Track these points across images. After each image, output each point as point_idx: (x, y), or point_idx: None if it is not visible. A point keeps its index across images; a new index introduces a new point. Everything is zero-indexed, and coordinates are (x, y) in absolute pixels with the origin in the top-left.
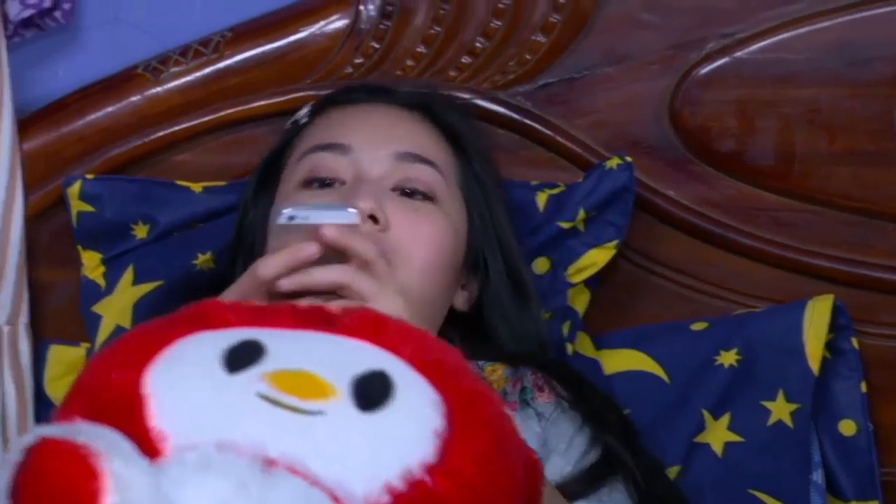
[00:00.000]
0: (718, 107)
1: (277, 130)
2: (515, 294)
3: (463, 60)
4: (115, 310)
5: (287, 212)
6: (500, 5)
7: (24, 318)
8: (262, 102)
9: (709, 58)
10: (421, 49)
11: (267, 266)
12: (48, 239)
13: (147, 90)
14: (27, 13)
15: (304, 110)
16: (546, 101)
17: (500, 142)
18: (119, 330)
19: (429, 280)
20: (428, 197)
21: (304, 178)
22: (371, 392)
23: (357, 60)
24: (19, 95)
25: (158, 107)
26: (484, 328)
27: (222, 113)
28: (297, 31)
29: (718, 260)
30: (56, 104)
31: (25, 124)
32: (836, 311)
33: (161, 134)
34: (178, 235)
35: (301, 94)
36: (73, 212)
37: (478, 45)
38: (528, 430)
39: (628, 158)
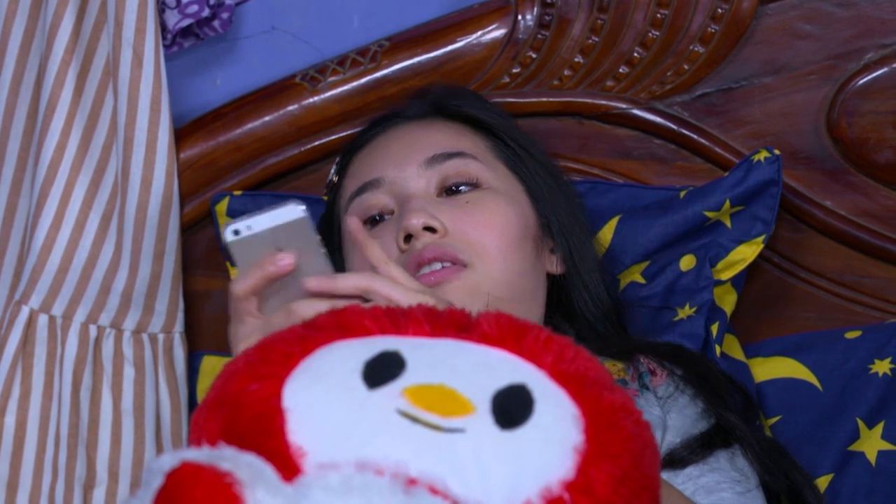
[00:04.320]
0: (876, 117)
1: None
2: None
3: (620, 70)
4: None
5: (231, 227)
6: (658, 15)
7: (178, 327)
8: None
9: (867, 68)
10: (578, 59)
11: (237, 283)
12: (204, 247)
13: (304, 99)
14: (185, 23)
15: (332, 172)
16: (703, 111)
17: (656, 151)
18: None
19: (510, 258)
20: (473, 185)
21: (363, 216)
22: (511, 408)
23: (514, 70)
24: (177, 104)
25: (315, 116)
26: (564, 293)
27: None
28: (454, 41)
29: (875, 270)
30: (213, 113)
31: (182, 133)
32: None
33: (317, 143)
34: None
35: None
36: (221, 229)
37: (635, 54)
38: (649, 414)
39: (776, 151)
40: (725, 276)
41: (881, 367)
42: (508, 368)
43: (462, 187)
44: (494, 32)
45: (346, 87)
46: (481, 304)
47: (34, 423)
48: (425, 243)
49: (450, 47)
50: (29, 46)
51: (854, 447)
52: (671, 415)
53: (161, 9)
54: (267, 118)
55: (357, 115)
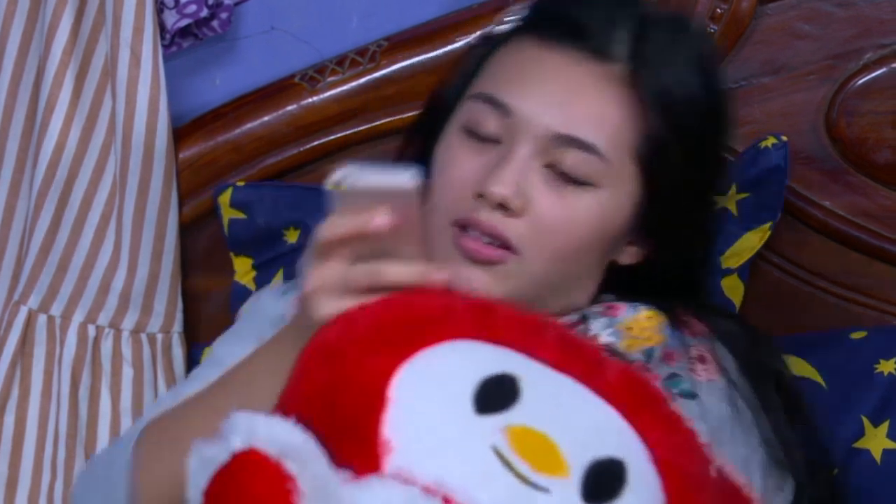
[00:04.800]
0: (875, 117)
1: None
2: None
3: None
4: None
5: (340, 173)
6: None
7: (177, 327)
8: (418, 112)
9: (866, 68)
10: None
11: (325, 227)
12: (204, 247)
13: (303, 99)
14: (184, 23)
15: (501, 27)
16: None
17: None
18: None
19: (565, 261)
20: (583, 183)
21: (464, 125)
22: (602, 483)
23: None
24: (176, 105)
25: (314, 116)
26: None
27: (377, 122)
28: (452, 41)
29: (874, 270)
30: (212, 113)
31: (182, 133)
32: None
33: (317, 143)
34: None
35: None
36: (225, 219)
37: None
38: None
39: (784, 138)
40: (734, 263)
41: (887, 367)
42: (615, 438)
43: (572, 179)
44: None
45: (345, 87)
46: (504, 292)
47: (33, 422)
48: (491, 216)
49: (449, 47)
50: (27, 47)
51: (858, 444)
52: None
53: (159, 9)
54: (266, 118)
55: (355, 114)
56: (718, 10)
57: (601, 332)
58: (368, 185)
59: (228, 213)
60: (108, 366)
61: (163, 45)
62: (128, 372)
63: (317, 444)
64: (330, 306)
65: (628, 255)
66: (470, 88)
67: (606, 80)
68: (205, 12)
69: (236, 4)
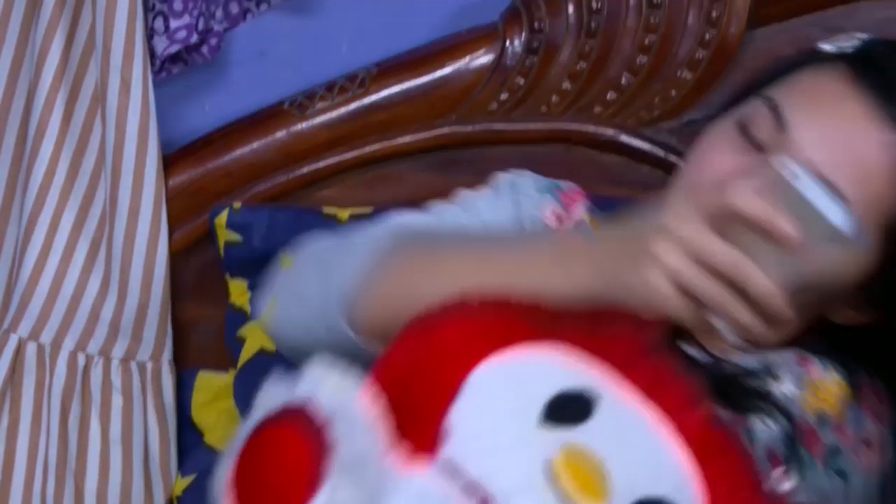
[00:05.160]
0: None
1: (421, 167)
2: None
3: (608, 96)
4: (259, 333)
5: (793, 169)
6: (646, 41)
7: (167, 355)
8: (407, 139)
9: None
10: (566, 85)
11: (748, 197)
12: (194, 275)
13: (293, 126)
14: (174, 48)
15: (833, 46)
16: (691, 138)
17: (644, 178)
18: (262, 354)
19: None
20: None
21: (744, 121)
22: None
23: (502, 97)
24: (166, 131)
25: (304, 143)
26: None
27: (367, 149)
28: (442, 67)
29: None
30: (202, 140)
31: (171, 160)
32: None
33: (306, 170)
34: None
35: (445, 129)
36: (221, 241)
37: (623, 80)
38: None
39: None
40: None
41: None
42: (672, 480)
43: None
44: (483, 59)
45: (334, 114)
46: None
47: (23, 452)
48: None
49: (438, 73)
50: (17, 73)
51: None
52: None
53: (149, 35)
54: (255, 145)
55: (345, 141)
56: (707, 36)
57: (787, 383)
58: (809, 197)
59: (225, 236)
60: (98, 395)
61: (153, 72)
62: (117, 400)
63: (379, 414)
64: (666, 256)
65: (843, 317)
66: (769, 88)
67: (891, 148)
68: (195, 38)
69: (226, 31)
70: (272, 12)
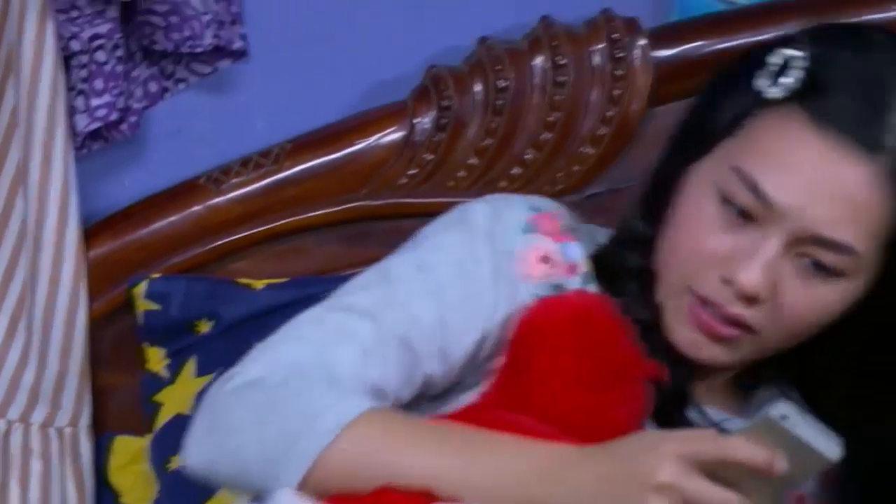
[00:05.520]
0: None
1: (333, 239)
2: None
3: (513, 171)
4: (176, 399)
5: (780, 408)
6: (550, 118)
7: (85, 421)
8: (319, 213)
9: None
10: (473, 160)
11: (739, 448)
12: (111, 343)
13: (208, 200)
14: (94, 126)
15: (779, 90)
16: (593, 211)
17: None
18: (178, 418)
19: (790, 342)
20: (833, 274)
21: (723, 193)
22: None
23: (411, 172)
24: (86, 205)
25: (219, 216)
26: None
27: (280, 222)
28: (353, 144)
29: None
30: (121, 213)
31: (91, 233)
32: None
33: (220, 243)
34: (239, 329)
35: (356, 204)
36: (139, 310)
37: (528, 156)
38: None
39: None
40: None
41: None
42: None
43: (822, 270)
44: (392, 135)
45: (248, 188)
46: (730, 361)
47: None
48: (736, 304)
49: (349, 149)
50: None
51: None
52: None
53: (71, 112)
54: (172, 218)
55: (259, 214)
56: (609, 114)
57: None
58: (799, 434)
59: (143, 305)
60: (18, 460)
61: (74, 148)
62: (36, 466)
63: None
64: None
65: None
66: (728, 144)
67: (874, 177)
68: (115, 116)
69: (145, 108)
70: (189, 91)
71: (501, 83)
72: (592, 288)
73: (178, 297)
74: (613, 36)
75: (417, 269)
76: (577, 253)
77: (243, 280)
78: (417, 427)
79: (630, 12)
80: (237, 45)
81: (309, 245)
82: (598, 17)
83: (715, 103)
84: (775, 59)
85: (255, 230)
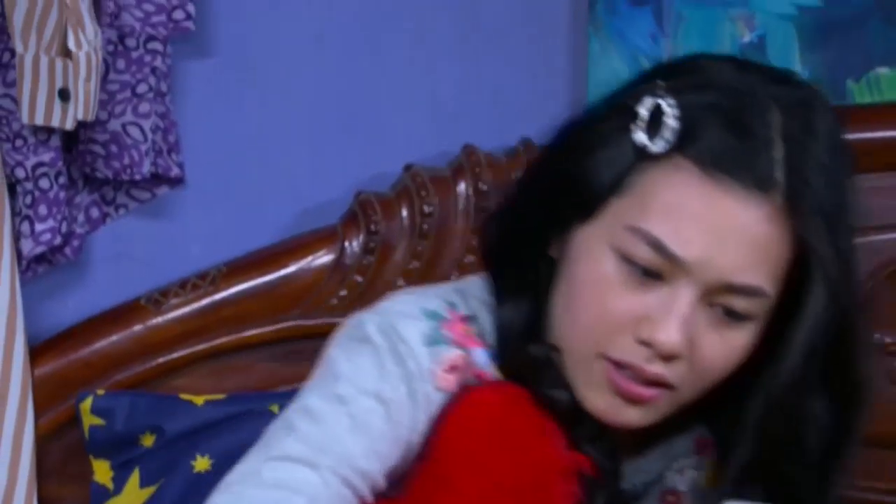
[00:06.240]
0: None
1: (268, 357)
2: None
3: None
4: None
5: None
6: (474, 242)
7: None
8: (254, 332)
9: None
10: (401, 282)
11: None
12: (60, 456)
13: (148, 320)
14: (39, 250)
15: (661, 143)
16: None
17: None
18: None
19: (704, 391)
20: (744, 318)
21: (623, 254)
22: None
23: (342, 293)
24: (32, 326)
25: (158, 336)
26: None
27: (217, 341)
28: (286, 266)
29: None
30: (65, 333)
31: (37, 352)
32: None
33: (160, 361)
34: (181, 442)
35: (290, 323)
36: (85, 425)
37: (453, 278)
38: None
39: None
40: None
41: None
42: None
43: (734, 316)
44: (323, 258)
45: (186, 309)
46: (650, 420)
47: None
48: (655, 364)
49: (282, 272)
50: None
51: None
52: None
53: (17, 237)
54: (114, 338)
55: (197, 334)
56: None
57: (690, 470)
58: None
59: (89, 420)
60: None
61: (20, 271)
62: None
63: None
64: None
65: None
66: (616, 204)
67: (772, 214)
68: (58, 240)
69: (87, 233)
70: (129, 216)
71: (427, 209)
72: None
73: (122, 413)
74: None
75: (339, 402)
76: (484, 360)
77: (185, 396)
78: None
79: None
80: (174, 172)
81: (245, 363)
82: (518, 145)
83: (587, 164)
84: (644, 109)
85: (194, 349)
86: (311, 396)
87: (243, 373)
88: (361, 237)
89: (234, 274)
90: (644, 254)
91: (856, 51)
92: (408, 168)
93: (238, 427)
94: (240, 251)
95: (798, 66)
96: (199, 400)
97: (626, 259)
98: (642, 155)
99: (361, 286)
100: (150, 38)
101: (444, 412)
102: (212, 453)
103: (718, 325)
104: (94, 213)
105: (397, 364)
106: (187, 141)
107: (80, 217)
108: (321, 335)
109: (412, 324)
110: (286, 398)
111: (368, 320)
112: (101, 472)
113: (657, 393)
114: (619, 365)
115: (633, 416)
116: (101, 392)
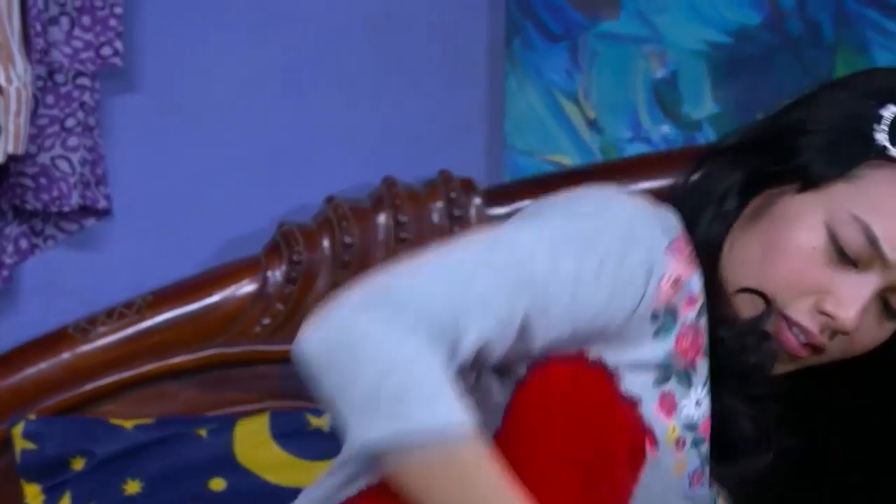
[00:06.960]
0: None
1: (193, 384)
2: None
3: None
4: None
5: None
6: None
7: None
8: (179, 359)
9: None
10: None
11: None
12: None
13: (76, 348)
14: None
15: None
16: None
17: None
18: None
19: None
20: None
21: (834, 234)
22: None
23: (265, 321)
24: None
25: (86, 363)
26: None
27: (143, 369)
28: (210, 295)
29: None
30: None
31: None
32: None
33: (88, 388)
34: (111, 465)
35: (214, 351)
36: (17, 449)
37: None
38: None
39: None
40: None
41: None
42: None
43: (888, 311)
44: (247, 287)
45: (113, 337)
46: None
47: None
48: (825, 334)
49: (207, 300)
50: None
51: None
52: None
53: None
54: (43, 365)
55: (123, 361)
56: None
57: None
58: None
59: (20, 444)
60: None
61: None
62: None
63: None
64: None
65: None
66: (841, 187)
67: None
68: None
69: (16, 263)
70: (58, 247)
71: (348, 239)
72: (703, 321)
73: (53, 437)
74: (451, 195)
75: (584, 248)
76: (698, 286)
77: (115, 420)
78: (501, 483)
79: (466, 173)
80: (102, 204)
81: (171, 389)
82: (437, 177)
83: (826, 144)
84: (889, 113)
85: (121, 376)
86: (555, 232)
87: (168, 399)
88: (284, 267)
89: (160, 303)
90: (857, 243)
91: (765, 85)
92: (329, 200)
93: (167, 451)
94: (165, 281)
95: (709, 101)
96: (129, 424)
97: (835, 239)
98: (882, 154)
99: (283, 314)
100: (79, 73)
101: (520, 385)
102: (142, 476)
103: (878, 316)
104: (24, 244)
105: (641, 250)
106: (115, 174)
107: (10, 248)
108: (244, 363)
109: (652, 230)
110: (213, 422)
111: (618, 207)
112: (32, 495)
113: (808, 354)
114: (790, 323)
115: (779, 368)
116: (32, 417)
